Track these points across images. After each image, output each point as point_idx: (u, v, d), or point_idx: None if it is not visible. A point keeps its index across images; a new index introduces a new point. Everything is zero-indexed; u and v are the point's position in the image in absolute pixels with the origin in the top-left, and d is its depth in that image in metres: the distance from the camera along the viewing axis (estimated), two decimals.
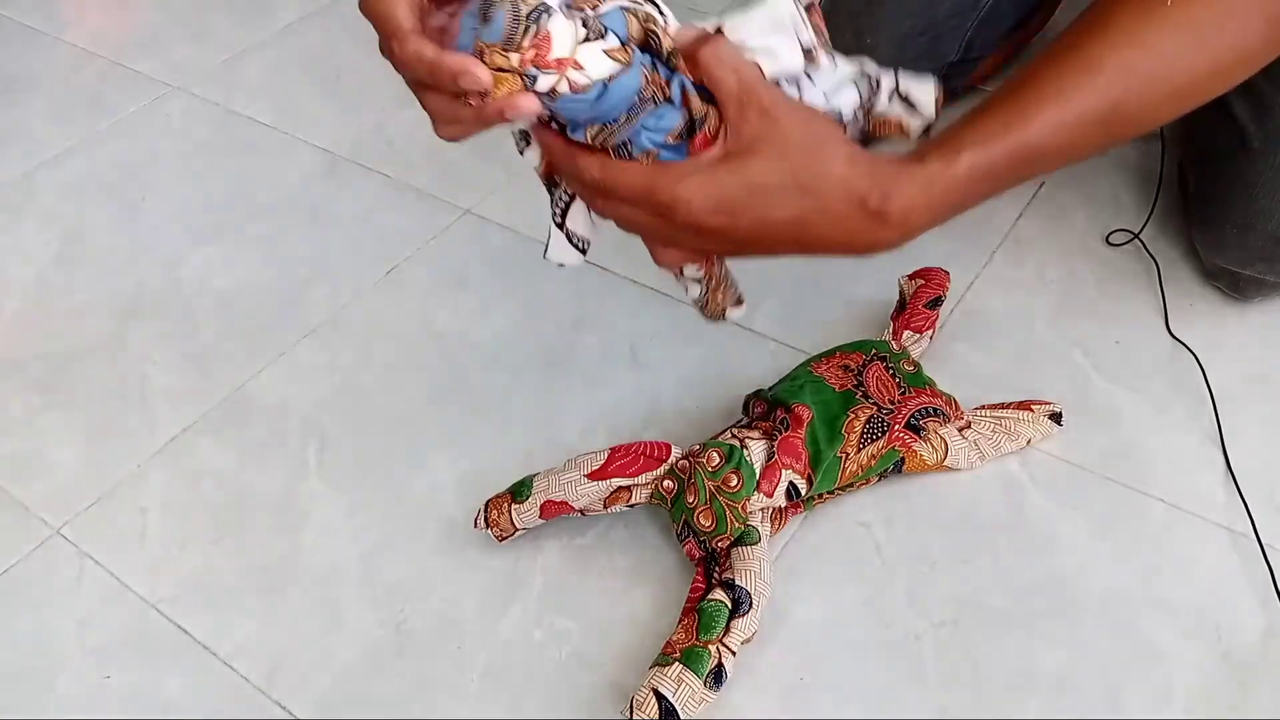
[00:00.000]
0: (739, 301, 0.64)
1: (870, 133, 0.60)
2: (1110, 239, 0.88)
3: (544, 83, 0.49)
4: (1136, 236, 0.87)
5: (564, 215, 0.60)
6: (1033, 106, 0.56)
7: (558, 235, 0.60)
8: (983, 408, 0.74)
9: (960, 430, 0.72)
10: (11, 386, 0.86)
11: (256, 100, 1.13)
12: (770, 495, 0.67)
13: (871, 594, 0.68)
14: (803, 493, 0.68)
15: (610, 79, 0.50)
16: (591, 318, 0.86)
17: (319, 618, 0.69)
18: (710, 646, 0.61)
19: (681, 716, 0.60)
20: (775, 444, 0.68)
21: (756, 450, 0.68)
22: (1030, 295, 0.85)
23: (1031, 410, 0.73)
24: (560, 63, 0.48)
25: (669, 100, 0.53)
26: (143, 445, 0.80)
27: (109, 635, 0.70)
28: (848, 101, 0.57)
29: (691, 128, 0.54)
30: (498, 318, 0.88)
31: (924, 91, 0.57)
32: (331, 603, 0.70)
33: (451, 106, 0.51)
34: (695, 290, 0.62)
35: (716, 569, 0.66)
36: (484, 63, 0.48)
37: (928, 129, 0.59)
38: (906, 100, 0.58)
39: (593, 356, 0.84)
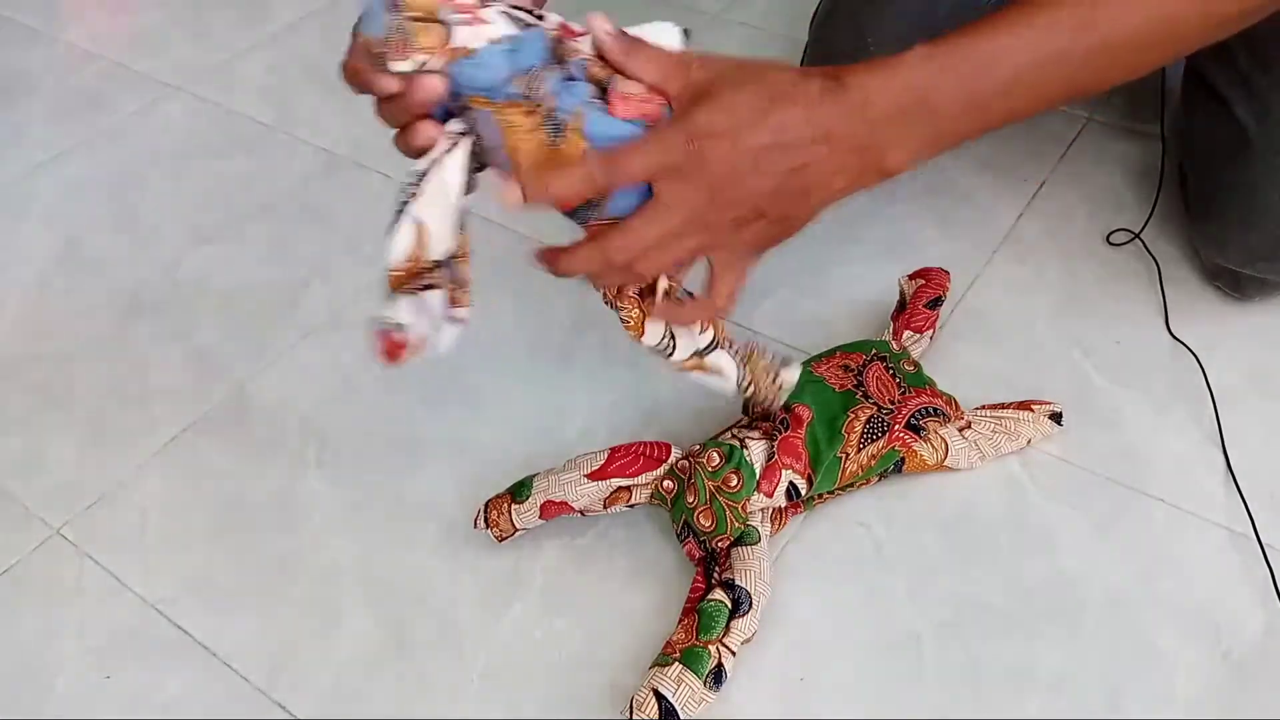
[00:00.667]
0: (784, 365, 0.64)
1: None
2: (1111, 239, 0.88)
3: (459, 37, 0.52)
4: (1137, 236, 0.87)
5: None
6: (1000, 20, 0.57)
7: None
8: (983, 408, 0.74)
9: (960, 430, 0.72)
10: (11, 386, 0.86)
11: (256, 100, 1.13)
12: (770, 495, 0.67)
13: (871, 594, 0.68)
14: (802, 493, 0.68)
15: (503, 40, 0.52)
16: (591, 318, 0.86)
17: (319, 618, 0.69)
18: (710, 647, 0.61)
19: (681, 717, 0.60)
20: (775, 444, 0.68)
21: (756, 450, 0.68)
22: (1030, 295, 0.85)
23: (1032, 410, 0.73)
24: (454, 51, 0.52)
25: (571, 78, 0.54)
26: (143, 445, 0.80)
27: (109, 635, 0.70)
28: None
29: (603, 92, 0.54)
30: (498, 318, 0.88)
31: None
32: (331, 603, 0.70)
33: (388, 110, 0.56)
34: (731, 371, 0.62)
35: (716, 569, 0.66)
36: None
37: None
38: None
39: (593, 356, 0.84)
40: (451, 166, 0.54)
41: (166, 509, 0.76)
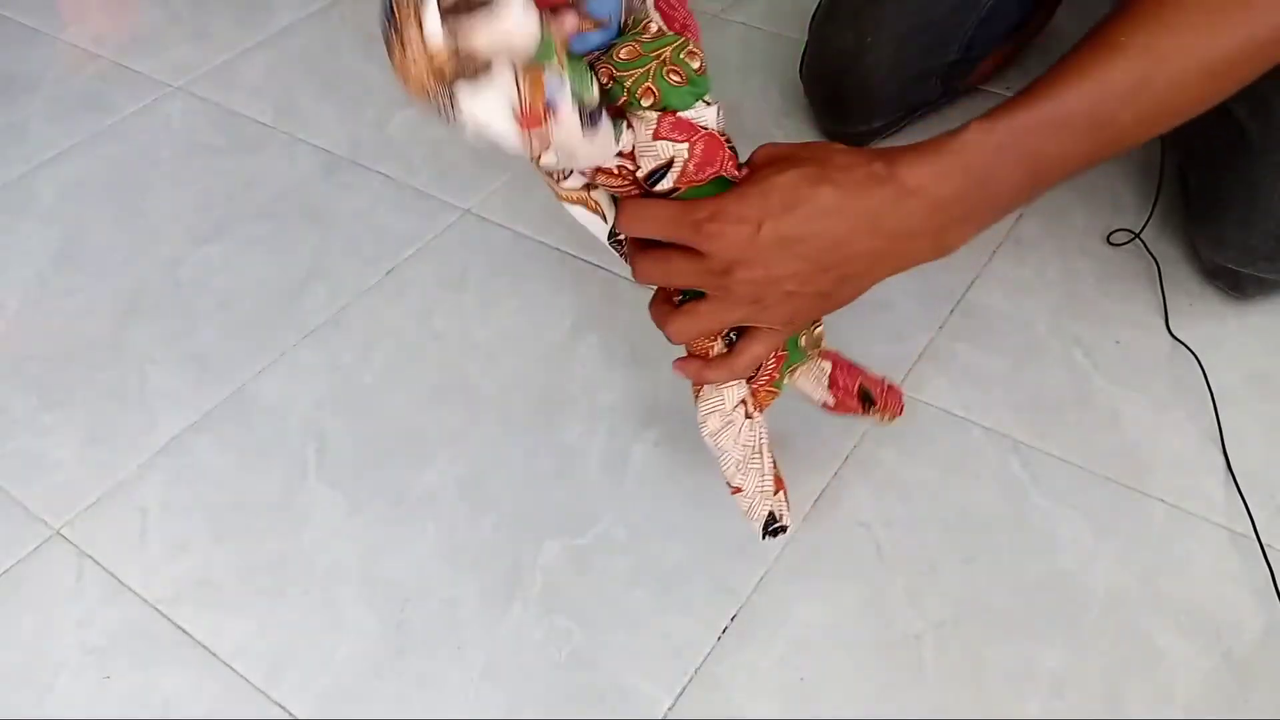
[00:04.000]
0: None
1: None
2: (1111, 238, 0.88)
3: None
4: (1137, 236, 0.87)
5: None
6: (1057, 81, 0.56)
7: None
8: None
9: None
10: (11, 386, 0.86)
11: (256, 100, 1.13)
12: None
13: (871, 594, 0.68)
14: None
15: None
16: (591, 318, 0.86)
17: (319, 618, 0.69)
18: None
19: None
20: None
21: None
22: (1030, 295, 0.85)
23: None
24: None
25: None
26: (143, 445, 0.80)
27: (109, 635, 0.70)
28: None
29: None
30: (498, 318, 0.88)
31: None
32: (331, 603, 0.70)
33: None
34: (611, 212, 0.61)
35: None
36: None
37: None
38: None
39: (593, 356, 0.84)
40: None
41: (166, 509, 0.76)
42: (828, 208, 0.54)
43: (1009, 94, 0.58)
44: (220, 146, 1.08)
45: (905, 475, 0.74)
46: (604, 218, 0.60)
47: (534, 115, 0.48)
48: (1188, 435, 0.75)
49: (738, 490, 0.64)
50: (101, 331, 0.90)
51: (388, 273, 0.92)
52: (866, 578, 0.69)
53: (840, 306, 0.60)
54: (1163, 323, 0.82)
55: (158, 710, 0.66)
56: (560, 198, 0.59)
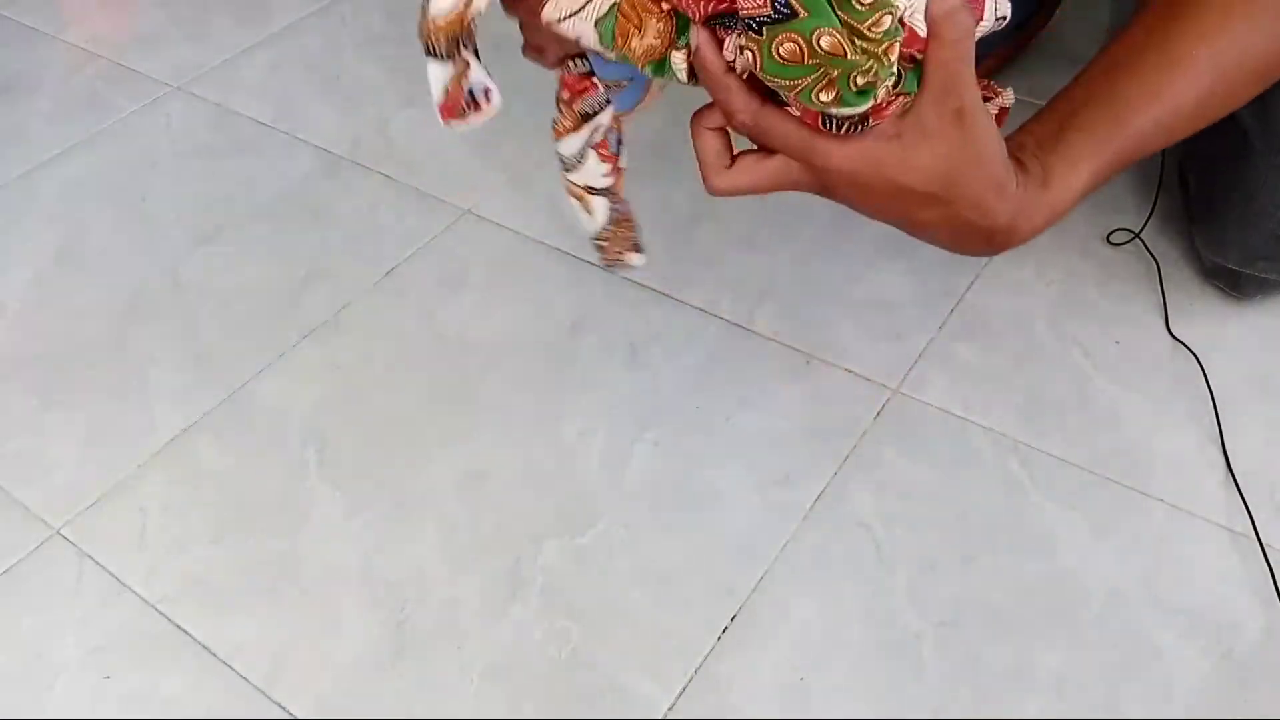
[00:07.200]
0: (638, 248, 0.65)
1: None
2: (1110, 239, 0.88)
3: None
4: (1137, 236, 0.87)
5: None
6: (1132, 107, 0.57)
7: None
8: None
9: None
10: (11, 386, 0.86)
11: (256, 100, 1.13)
12: None
13: (871, 594, 0.68)
14: None
15: None
16: (591, 318, 0.86)
17: (319, 618, 0.70)
18: None
19: None
20: None
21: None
22: (1030, 295, 0.85)
23: None
24: None
25: None
26: (143, 445, 0.80)
27: (109, 635, 0.70)
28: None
29: None
30: (498, 318, 0.88)
31: None
32: (331, 603, 0.70)
33: None
34: (600, 219, 0.63)
35: None
36: None
37: None
38: None
39: (593, 356, 0.84)
40: None
41: (166, 509, 0.76)
42: (930, 224, 0.54)
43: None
44: (220, 146, 1.08)
45: (905, 475, 0.74)
46: (593, 217, 0.63)
47: None
48: (1188, 435, 0.75)
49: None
50: (101, 331, 0.90)
51: (388, 273, 0.92)
52: (866, 578, 0.69)
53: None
54: (1163, 323, 0.82)
55: (158, 710, 0.66)
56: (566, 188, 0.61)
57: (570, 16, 0.50)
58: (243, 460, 0.79)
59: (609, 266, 0.67)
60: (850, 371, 0.80)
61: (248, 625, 0.69)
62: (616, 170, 0.62)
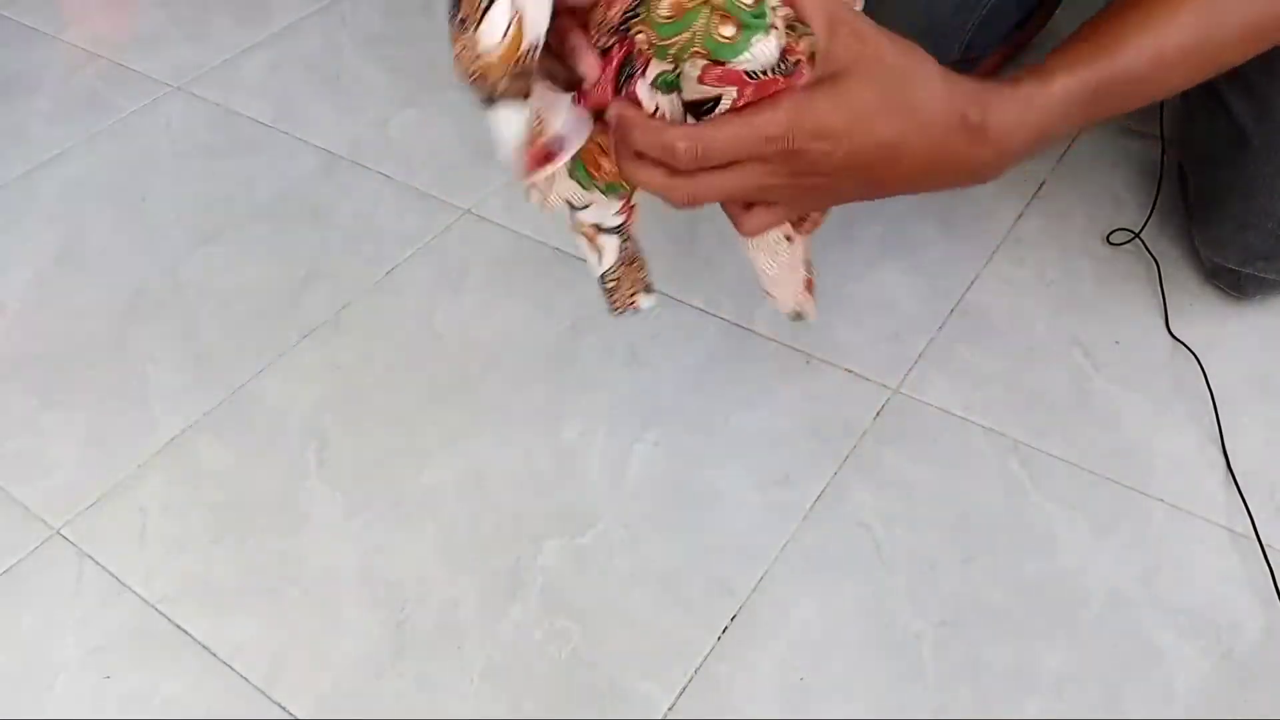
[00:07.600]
0: (648, 289, 0.65)
1: None
2: (1110, 238, 0.88)
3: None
4: (1137, 236, 0.87)
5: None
6: (1121, 36, 0.58)
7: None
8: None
9: None
10: (11, 386, 0.86)
11: (256, 100, 1.13)
12: None
13: (871, 594, 0.68)
14: None
15: None
16: (591, 318, 0.86)
17: (319, 618, 0.69)
18: None
19: None
20: None
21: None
22: (1030, 295, 0.85)
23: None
24: None
25: None
26: (143, 445, 0.80)
27: (109, 635, 0.70)
28: None
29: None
30: (498, 318, 0.88)
31: None
32: (331, 603, 0.70)
33: None
34: (609, 260, 0.62)
35: None
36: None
37: None
38: None
39: (593, 356, 0.84)
40: None
41: (166, 509, 0.76)
42: (904, 144, 0.54)
43: None
44: (220, 146, 1.08)
45: (905, 475, 0.74)
46: (600, 259, 0.62)
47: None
48: (1188, 435, 0.75)
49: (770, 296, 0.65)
50: (101, 331, 0.90)
51: (388, 273, 0.92)
52: (866, 578, 0.69)
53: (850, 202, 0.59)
54: (1163, 323, 0.82)
55: (158, 710, 0.66)
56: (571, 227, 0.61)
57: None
58: (243, 460, 0.79)
59: (617, 312, 0.65)
60: (850, 371, 0.80)
61: (248, 625, 0.69)
62: (629, 208, 0.61)
